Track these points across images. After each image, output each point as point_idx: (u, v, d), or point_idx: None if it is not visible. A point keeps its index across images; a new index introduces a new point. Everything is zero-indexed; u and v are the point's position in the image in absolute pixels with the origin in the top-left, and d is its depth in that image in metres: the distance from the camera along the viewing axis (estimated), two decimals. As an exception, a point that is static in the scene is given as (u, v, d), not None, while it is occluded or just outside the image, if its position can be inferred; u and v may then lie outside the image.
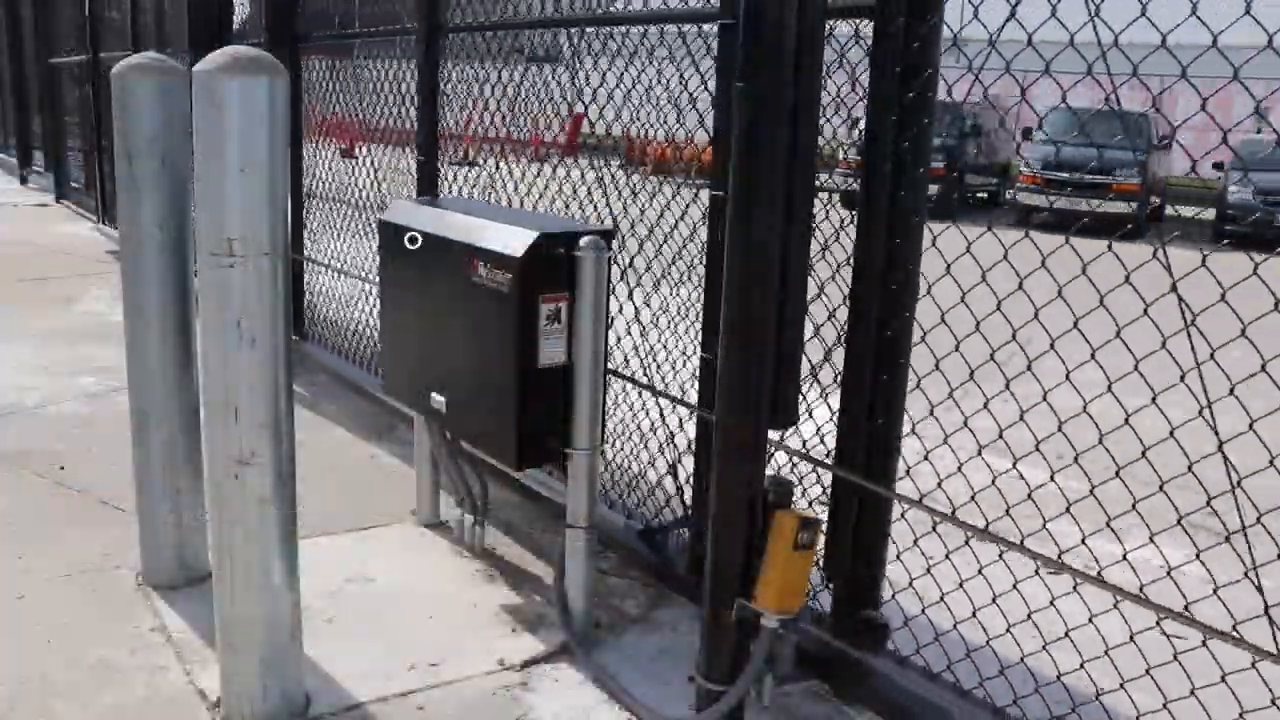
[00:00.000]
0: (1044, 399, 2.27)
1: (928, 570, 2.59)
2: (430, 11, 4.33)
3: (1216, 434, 1.91)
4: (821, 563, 2.68)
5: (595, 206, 3.58)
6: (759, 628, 2.33)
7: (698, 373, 3.07)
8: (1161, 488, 2.11)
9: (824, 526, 2.57)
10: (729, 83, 2.85)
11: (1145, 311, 1.98)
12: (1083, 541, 2.20)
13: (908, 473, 2.59)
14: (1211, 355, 1.92)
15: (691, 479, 3.17)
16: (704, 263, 2.98)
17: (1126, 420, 2.12)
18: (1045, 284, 2.19)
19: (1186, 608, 1.98)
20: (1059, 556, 2.20)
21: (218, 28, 6.03)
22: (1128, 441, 2.20)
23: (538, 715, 2.53)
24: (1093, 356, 2.14)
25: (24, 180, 14.28)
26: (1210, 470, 2.07)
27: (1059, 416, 2.30)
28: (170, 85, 2.81)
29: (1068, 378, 2.20)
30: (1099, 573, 2.11)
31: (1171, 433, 2.07)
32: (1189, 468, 2.05)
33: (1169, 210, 17.27)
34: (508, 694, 2.61)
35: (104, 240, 9.61)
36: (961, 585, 2.51)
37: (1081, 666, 2.31)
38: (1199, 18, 1.81)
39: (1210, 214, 15.89)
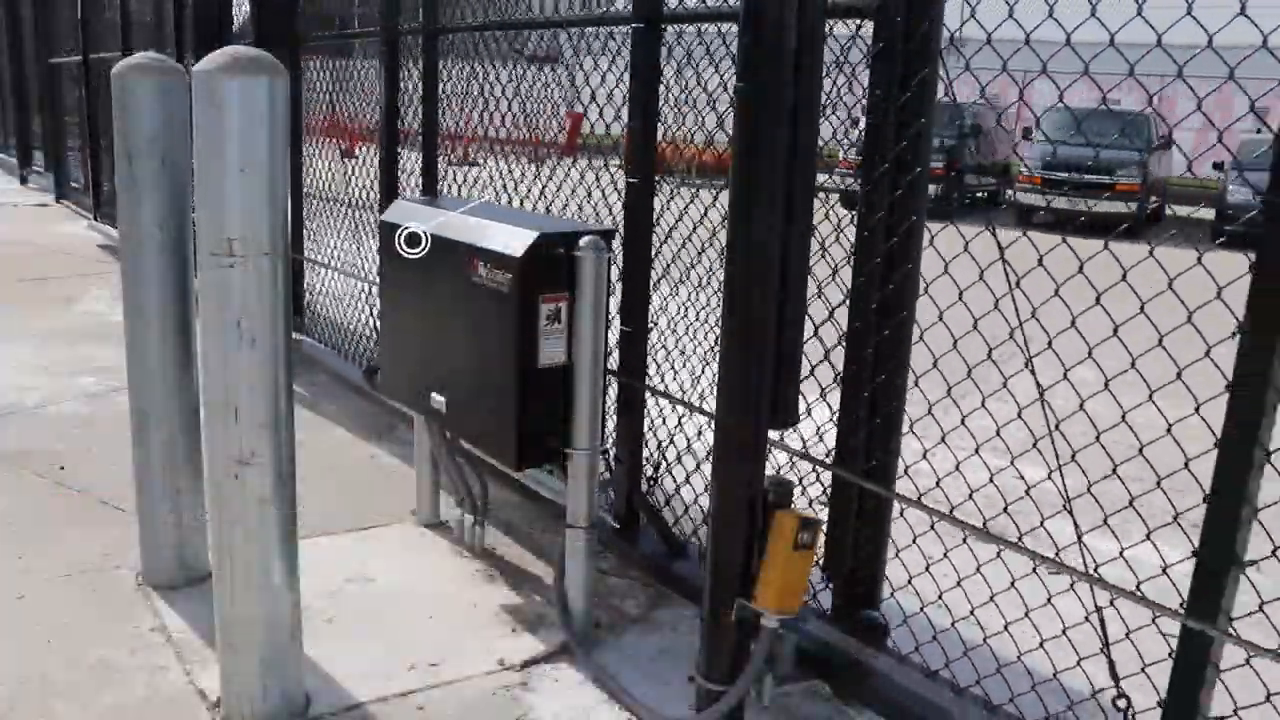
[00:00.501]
0: (1082, 407, 2.25)
1: (958, 584, 2.57)
2: (390, 14, 4.61)
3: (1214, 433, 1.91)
4: (821, 562, 2.68)
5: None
6: (759, 628, 2.33)
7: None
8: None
9: (824, 526, 2.57)
10: (642, 83, 3.14)
11: (1190, 318, 1.97)
12: (1121, 555, 2.19)
13: (938, 484, 2.58)
14: (1261, 352, 1.89)
15: (615, 438, 3.34)
16: (622, 243, 3.21)
17: (1169, 430, 2.11)
18: (1046, 284, 2.19)
19: (1183, 604, 1.97)
20: (1095, 570, 2.19)
21: (218, 28, 6.03)
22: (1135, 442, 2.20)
23: (538, 715, 2.53)
24: (1133, 364, 2.12)
25: (24, 180, 14.29)
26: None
27: (1097, 426, 2.28)
28: (170, 85, 2.82)
29: (1107, 386, 2.18)
30: (1138, 585, 2.10)
31: (1170, 431, 2.06)
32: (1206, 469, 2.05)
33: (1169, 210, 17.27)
34: (508, 694, 2.61)
35: (100, 238, 9.65)
36: (993, 598, 2.49)
37: (1108, 671, 2.31)
38: (1247, 16, 1.79)
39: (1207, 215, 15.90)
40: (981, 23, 2.33)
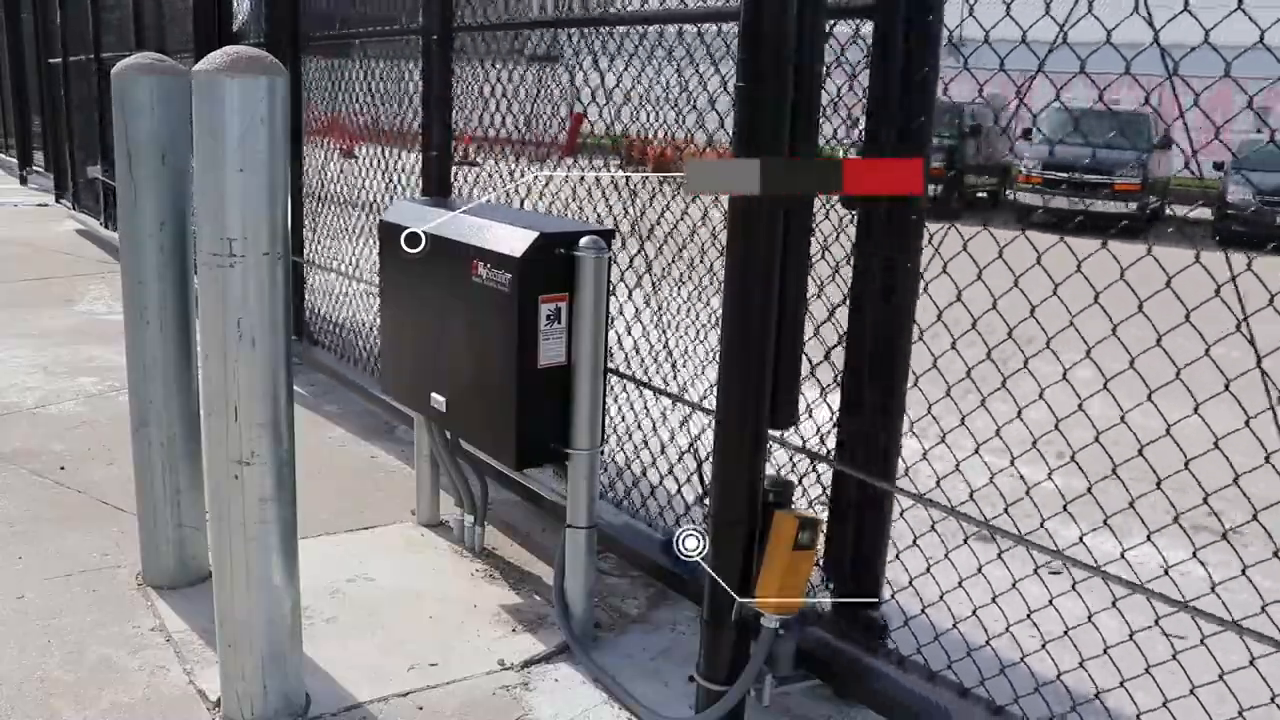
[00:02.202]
0: (1080, 407, 2.24)
1: (959, 584, 2.56)
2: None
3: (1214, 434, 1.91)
4: (821, 563, 2.68)
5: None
6: (759, 628, 2.33)
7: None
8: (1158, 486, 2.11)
9: (824, 526, 2.56)
10: (437, 83, 3.85)
11: (1188, 319, 1.97)
12: (1122, 556, 2.20)
13: (938, 484, 2.58)
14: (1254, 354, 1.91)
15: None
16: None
17: (1168, 430, 2.12)
18: (1045, 284, 2.19)
19: (1187, 605, 1.98)
20: (1098, 567, 2.19)
21: (217, 27, 6.03)
22: (1154, 447, 2.20)
23: (538, 715, 2.53)
24: (1132, 364, 2.12)
25: (24, 180, 14.31)
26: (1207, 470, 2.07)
27: (1096, 426, 2.28)
28: (170, 85, 2.82)
29: (1107, 389, 2.18)
30: (1140, 582, 2.11)
31: (1168, 430, 2.07)
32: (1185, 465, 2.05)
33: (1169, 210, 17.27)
34: (508, 694, 2.61)
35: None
36: (995, 599, 2.49)
37: (1081, 665, 2.31)
38: (1244, 12, 1.78)
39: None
40: (980, 21, 2.32)
